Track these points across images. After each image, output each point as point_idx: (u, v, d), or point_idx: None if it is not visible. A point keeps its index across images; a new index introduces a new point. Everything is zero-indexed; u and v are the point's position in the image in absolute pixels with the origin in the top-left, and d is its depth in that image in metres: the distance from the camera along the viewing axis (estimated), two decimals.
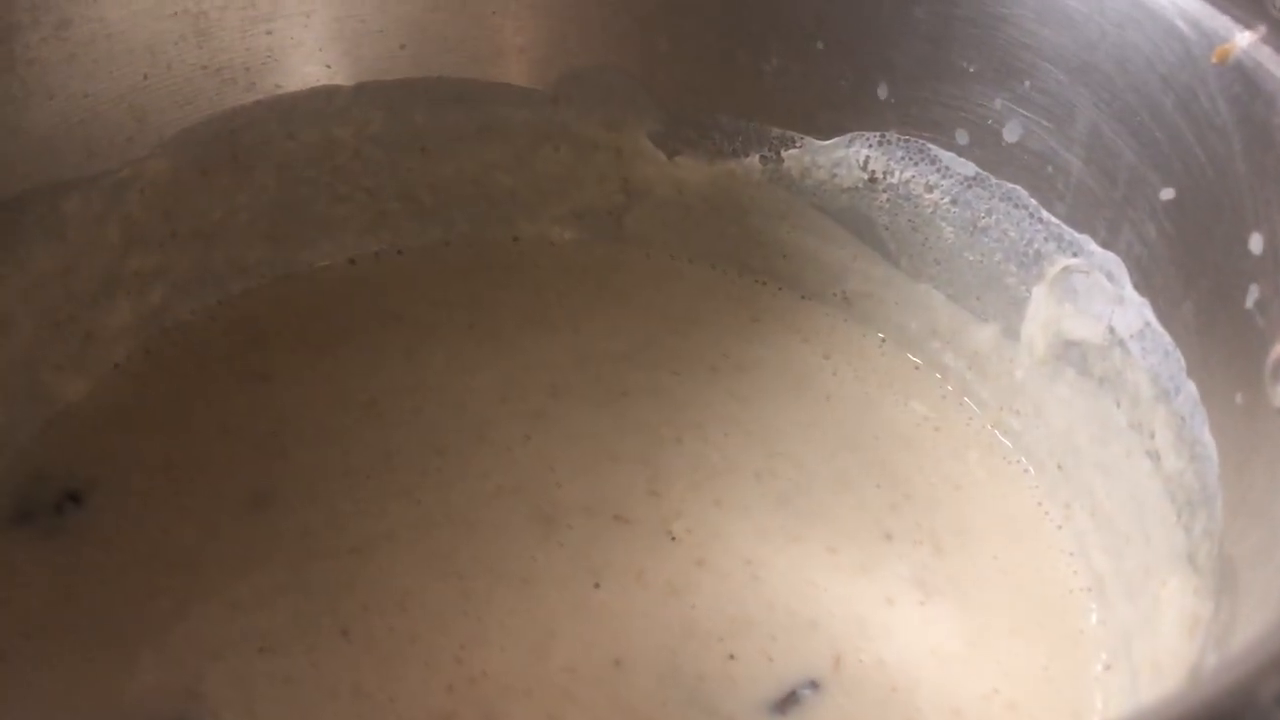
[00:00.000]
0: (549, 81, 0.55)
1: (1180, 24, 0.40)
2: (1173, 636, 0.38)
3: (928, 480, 0.49)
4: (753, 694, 0.42)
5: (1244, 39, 0.38)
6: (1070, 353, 0.47)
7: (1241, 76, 0.38)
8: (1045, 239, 0.47)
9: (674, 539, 0.47)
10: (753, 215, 0.55)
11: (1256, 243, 0.37)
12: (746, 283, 0.57)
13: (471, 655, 0.43)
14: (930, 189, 0.50)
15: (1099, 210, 0.44)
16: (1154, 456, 0.42)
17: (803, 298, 0.56)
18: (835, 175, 0.52)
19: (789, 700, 0.42)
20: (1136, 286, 0.43)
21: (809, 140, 0.52)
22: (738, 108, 0.53)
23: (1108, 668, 0.43)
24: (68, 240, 0.49)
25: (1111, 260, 0.44)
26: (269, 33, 0.51)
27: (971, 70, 0.46)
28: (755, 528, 0.47)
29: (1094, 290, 0.45)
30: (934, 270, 0.51)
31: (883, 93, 0.49)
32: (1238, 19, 0.39)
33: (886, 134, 0.50)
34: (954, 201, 0.50)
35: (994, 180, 0.48)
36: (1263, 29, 0.38)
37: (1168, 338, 0.42)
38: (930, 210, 0.50)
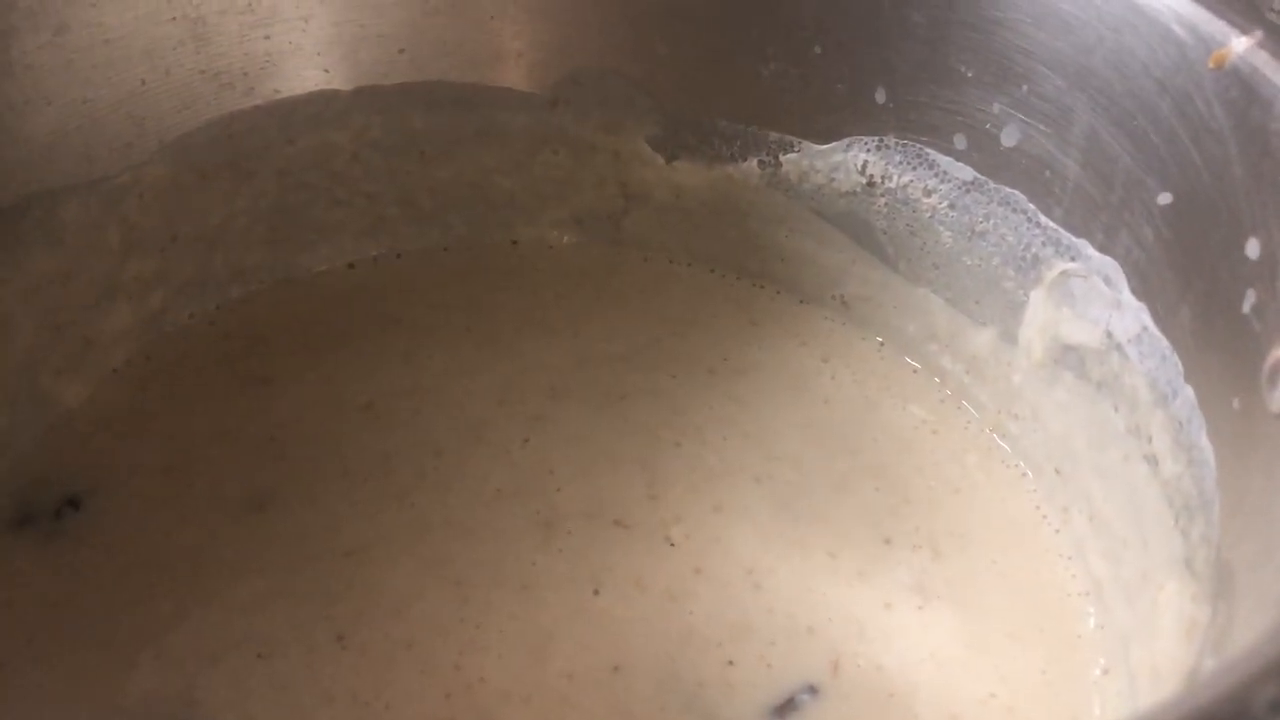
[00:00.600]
0: (547, 85, 0.55)
1: (1177, 29, 0.40)
2: (1170, 641, 0.38)
3: (926, 484, 0.49)
4: (752, 699, 0.42)
5: (1240, 44, 0.38)
6: (1068, 357, 0.47)
7: (1238, 81, 0.38)
8: (1043, 243, 0.47)
9: (673, 545, 0.47)
10: (751, 219, 0.55)
11: (1253, 248, 0.37)
12: (745, 286, 0.57)
13: (470, 662, 0.43)
14: (928, 193, 0.50)
15: (1096, 215, 0.44)
16: (1152, 461, 0.42)
17: (801, 301, 0.56)
18: (833, 179, 0.52)
19: (788, 706, 0.42)
20: (1134, 291, 0.43)
21: (807, 144, 0.52)
22: (736, 112, 0.53)
23: (1105, 672, 0.43)
24: (67, 245, 0.49)
25: (1109, 265, 0.44)
26: (267, 37, 0.51)
27: (969, 75, 0.46)
28: (754, 533, 0.47)
29: (1091, 294, 0.45)
30: (932, 274, 0.51)
31: (881, 97, 0.49)
32: (1234, 24, 0.39)
33: (884, 138, 0.50)
34: (952, 206, 0.50)
35: (992, 185, 0.48)
36: (1259, 34, 0.38)
37: (1165, 342, 0.42)
38: (928, 214, 0.50)
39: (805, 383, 0.53)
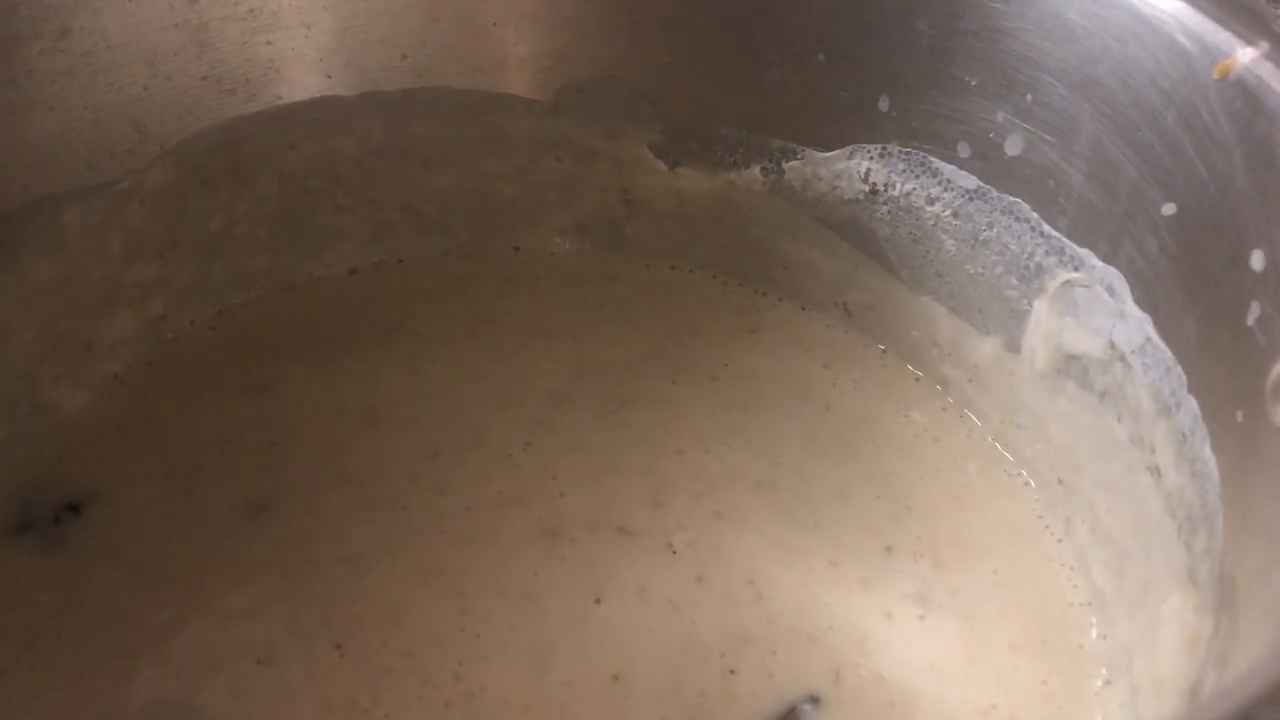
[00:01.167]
0: (550, 92, 0.55)
1: (1182, 39, 0.40)
2: (1173, 654, 0.38)
3: (928, 492, 0.49)
4: (753, 710, 0.42)
5: (1246, 55, 0.38)
6: (1071, 367, 0.46)
7: (1243, 92, 0.38)
8: (1046, 253, 0.47)
9: (675, 553, 0.47)
10: (754, 226, 0.55)
11: (1258, 260, 0.37)
12: (747, 293, 0.57)
13: (470, 671, 0.43)
14: (932, 201, 0.50)
15: (1100, 225, 0.44)
16: (1155, 472, 0.42)
17: (803, 309, 0.56)
18: (836, 187, 0.52)
19: (789, 716, 0.42)
20: (1138, 301, 0.43)
21: (810, 152, 0.52)
22: (739, 119, 0.53)
23: (1107, 684, 0.43)
24: (68, 251, 0.49)
25: (1113, 275, 0.44)
26: (270, 43, 0.51)
27: (973, 83, 0.46)
28: (756, 540, 0.47)
29: (1095, 304, 0.45)
30: (935, 283, 0.51)
31: (884, 105, 0.49)
32: (1240, 35, 0.39)
33: (888, 146, 0.50)
34: (955, 214, 0.49)
35: (995, 193, 0.48)
36: (1265, 45, 0.38)
37: (1169, 353, 0.42)
38: (931, 223, 0.50)
39: (807, 390, 0.53)
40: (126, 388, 0.52)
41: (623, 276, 0.57)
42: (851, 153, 0.51)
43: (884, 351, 0.54)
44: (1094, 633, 0.45)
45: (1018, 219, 0.47)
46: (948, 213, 0.50)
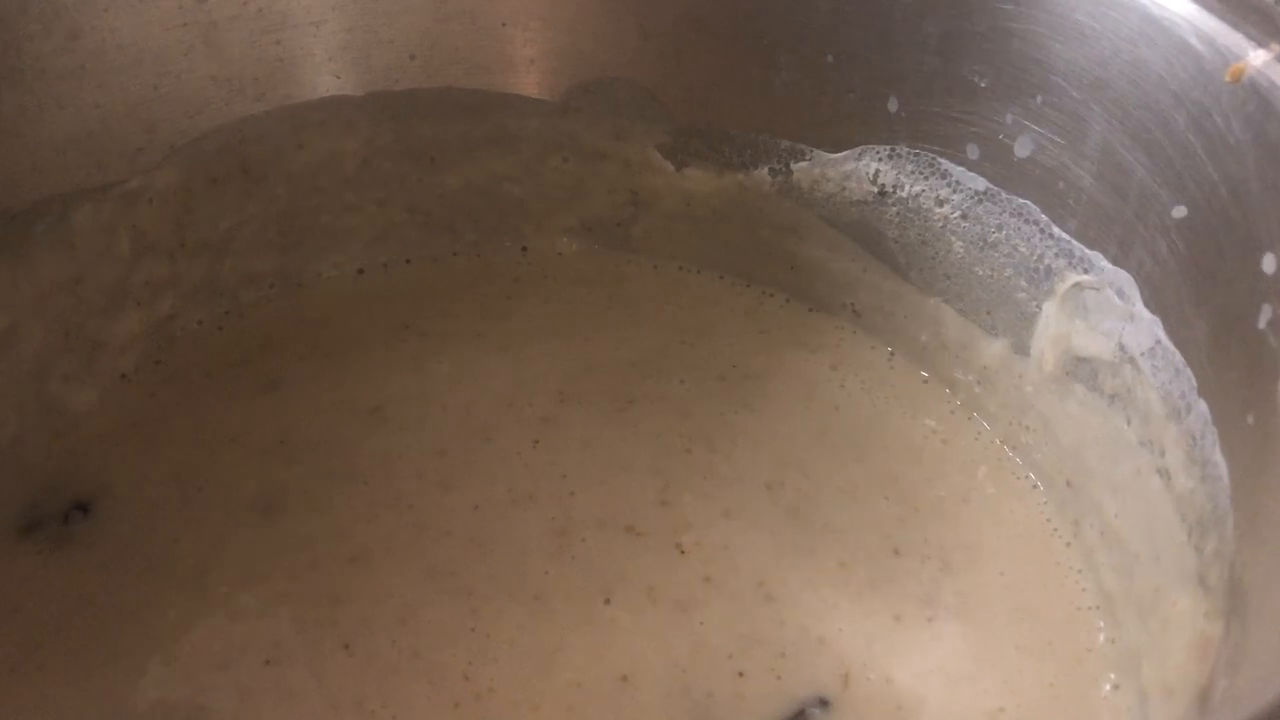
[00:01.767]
0: (558, 92, 0.55)
1: (1194, 41, 0.40)
2: (1183, 658, 0.38)
3: (936, 494, 0.49)
4: (761, 712, 0.42)
5: (1258, 57, 0.38)
6: (1080, 369, 0.46)
7: (1255, 95, 0.38)
8: (1056, 255, 0.47)
9: (684, 552, 0.47)
10: (761, 227, 0.55)
11: (1269, 262, 0.37)
12: (755, 294, 0.57)
13: (479, 672, 0.43)
14: (941, 203, 0.50)
15: (1110, 227, 0.44)
16: (1164, 475, 0.42)
17: (811, 310, 0.56)
18: (845, 188, 0.52)
19: (798, 719, 0.42)
20: (1147, 304, 0.43)
21: (818, 153, 0.52)
22: (747, 120, 0.53)
23: (1116, 688, 0.43)
24: (77, 250, 0.49)
25: (1122, 277, 0.44)
26: (278, 43, 0.51)
27: (983, 85, 0.46)
28: (765, 540, 0.47)
29: (1105, 307, 0.45)
30: (944, 284, 0.51)
31: (893, 106, 0.49)
32: (1252, 37, 0.39)
33: (897, 147, 0.50)
34: (964, 216, 0.49)
35: (1005, 195, 0.48)
36: (1277, 48, 0.38)
37: (1179, 356, 0.41)
38: (940, 224, 0.50)
39: (815, 391, 0.53)
40: (135, 387, 0.52)
41: (630, 277, 0.57)
42: (860, 154, 0.51)
43: (892, 353, 0.54)
44: (1102, 636, 0.44)
45: (1027, 221, 0.47)
46: (957, 214, 0.50)
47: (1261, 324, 0.37)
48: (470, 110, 0.55)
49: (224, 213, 0.53)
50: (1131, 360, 0.44)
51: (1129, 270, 0.43)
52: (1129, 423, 0.44)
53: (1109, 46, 0.42)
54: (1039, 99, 0.45)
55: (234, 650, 0.43)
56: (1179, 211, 0.41)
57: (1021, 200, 0.47)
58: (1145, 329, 0.43)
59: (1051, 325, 0.47)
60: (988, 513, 0.49)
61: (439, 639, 0.44)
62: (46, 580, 0.46)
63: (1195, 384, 0.41)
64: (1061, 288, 0.46)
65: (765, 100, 0.52)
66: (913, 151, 0.50)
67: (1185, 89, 0.40)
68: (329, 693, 0.42)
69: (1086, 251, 0.45)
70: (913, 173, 0.50)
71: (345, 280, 0.57)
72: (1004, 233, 0.48)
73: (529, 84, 0.54)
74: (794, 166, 0.53)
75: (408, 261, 0.57)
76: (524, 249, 0.58)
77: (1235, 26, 0.39)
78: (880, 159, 0.51)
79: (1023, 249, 0.48)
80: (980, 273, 0.50)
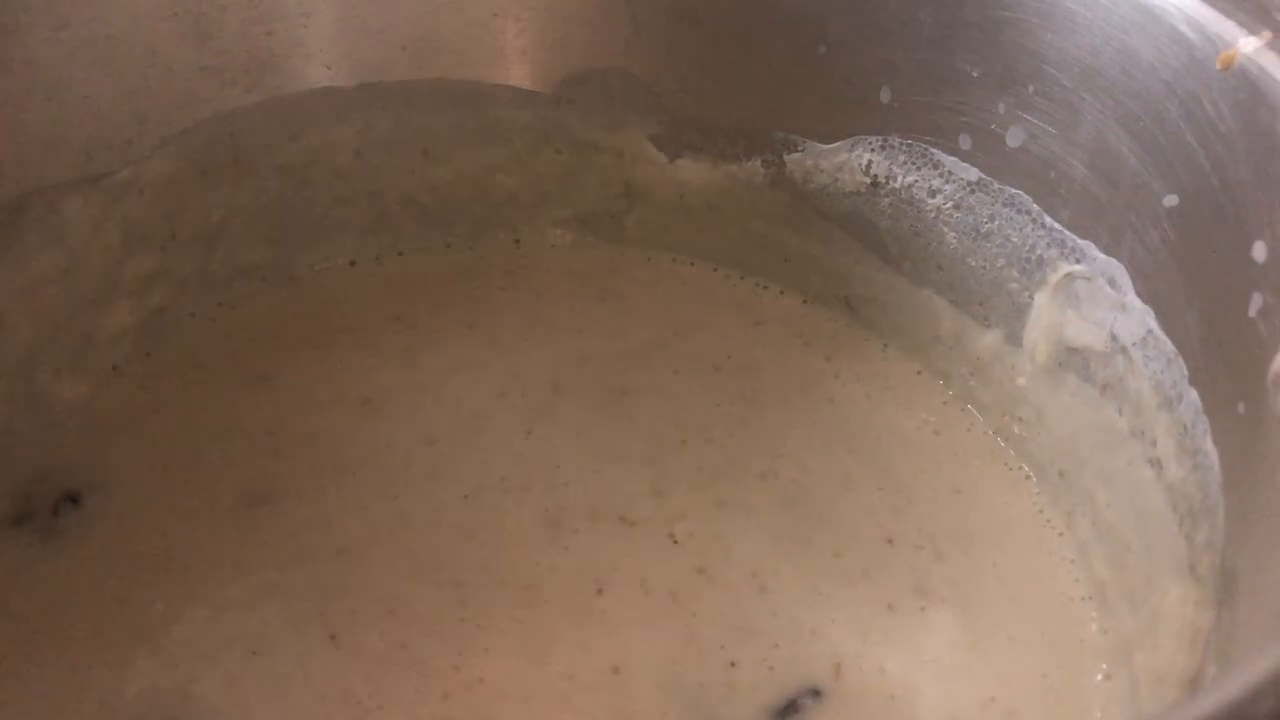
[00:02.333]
0: (551, 83, 0.54)
1: (1185, 29, 0.40)
2: (1173, 647, 0.38)
3: (929, 484, 0.49)
4: (753, 702, 0.42)
5: (1249, 45, 0.38)
6: (1072, 359, 0.46)
7: (1246, 83, 0.38)
8: (1048, 245, 0.46)
9: (677, 543, 0.47)
10: (755, 219, 0.55)
11: (1260, 251, 0.37)
12: (748, 286, 0.56)
13: (469, 663, 0.43)
14: (933, 194, 0.50)
15: (1102, 216, 0.44)
16: (1156, 465, 0.42)
17: (805, 301, 0.56)
18: (837, 179, 0.52)
19: (790, 709, 0.42)
20: (1139, 293, 0.43)
21: (811, 144, 0.52)
22: (740, 111, 0.53)
23: (1108, 677, 0.43)
24: (67, 242, 0.49)
25: (1114, 267, 0.44)
26: (269, 34, 0.51)
27: (975, 74, 0.46)
28: (758, 530, 0.47)
29: (1096, 297, 0.45)
30: (936, 275, 0.51)
31: (885, 96, 0.49)
32: (1243, 24, 0.39)
33: (889, 138, 0.50)
34: (957, 206, 0.49)
35: (997, 185, 0.48)
36: (1268, 35, 0.38)
37: (1170, 345, 0.41)
38: (933, 215, 0.50)
39: (809, 382, 0.53)
40: (125, 379, 0.52)
41: (624, 269, 0.57)
42: (853, 145, 0.51)
43: (885, 345, 0.54)
44: (1094, 626, 0.44)
45: (1019, 211, 0.47)
46: (949, 205, 0.50)
47: (1252, 312, 0.37)
48: (462, 102, 0.55)
49: (215, 204, 0.53)
50: (1123, 350, 0.44)
51: (1121, 260, 0.43)
52: (1121, 413, 0.44)
53: (1100, 35, 0.42)
54: (1031, 89, 0.45)
55: (221, 641, 0.43)
56: (1170, 200, 0.41)
57: (1014, 190, 0.47)
58: (1137, 318, 0.43)
59: (1044, 316, 0.47)
60: (981, 503, 0.48)
61: (428, 630, 0.44)
62: (36, 571, 0.45)
63: (1186, 373, 0.41)
64: (1054, 278, 0.46)
65: (758, 91, 0.52)
66: (905, 142, 0.50)
67: (1176, 77, 0.40)
68: (315, 683, 0.42)
69: (1079, 241, 0.45)
70: (905, 163, 0.50)
71: (337, 272, 0.57)
72: (996, 223, 0.48)
73: (521, 75, 0.54)
74: (787, 158, 0.53)
75: (400, 253, 0.57)
76: (517, 241, 0.58)
77: (1226, 14, 0.39)
78: (873, 149, 0.51)
79: (1015, 239, 0.48)
80: (973, 263, 0.50)
